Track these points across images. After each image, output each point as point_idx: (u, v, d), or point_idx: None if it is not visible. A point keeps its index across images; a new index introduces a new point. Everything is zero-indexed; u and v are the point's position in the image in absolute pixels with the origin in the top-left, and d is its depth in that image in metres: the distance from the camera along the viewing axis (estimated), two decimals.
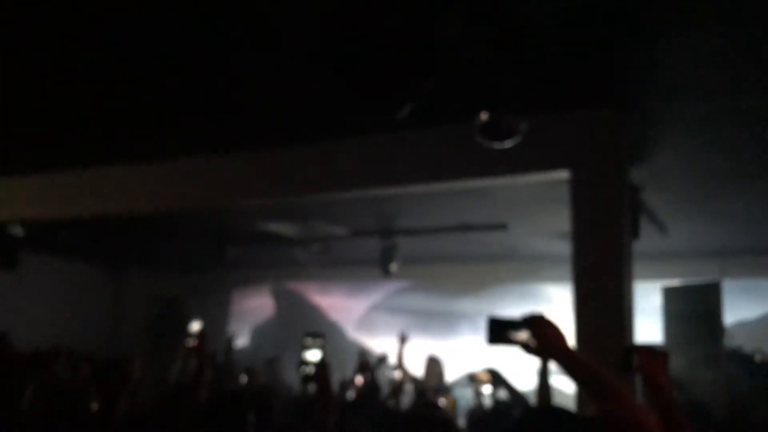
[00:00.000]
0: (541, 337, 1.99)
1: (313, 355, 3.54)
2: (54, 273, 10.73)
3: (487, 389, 6.19)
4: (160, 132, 5.64)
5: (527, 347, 2.04)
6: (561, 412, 1.91)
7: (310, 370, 3.40)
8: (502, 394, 5.48)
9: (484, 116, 3.47)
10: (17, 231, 7.80)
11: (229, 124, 5.38)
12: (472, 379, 4.96)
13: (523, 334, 2.04)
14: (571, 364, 1.95)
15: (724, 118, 4.58)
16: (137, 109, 5.16)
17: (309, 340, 3.61)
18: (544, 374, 4.14)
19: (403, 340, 7.39)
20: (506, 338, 2.08)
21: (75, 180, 6.89)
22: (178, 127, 5.52)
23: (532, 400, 4.30)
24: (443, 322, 10.43)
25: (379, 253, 8.55)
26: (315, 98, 4.58)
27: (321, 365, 3.36)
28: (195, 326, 3.90)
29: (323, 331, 4.08)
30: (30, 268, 8.66)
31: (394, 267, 8.58)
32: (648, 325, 7.50)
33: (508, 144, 3.56)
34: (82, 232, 8.81)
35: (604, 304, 4.15)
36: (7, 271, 8.05)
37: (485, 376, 4.66)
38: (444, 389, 7.47)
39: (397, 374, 7.17)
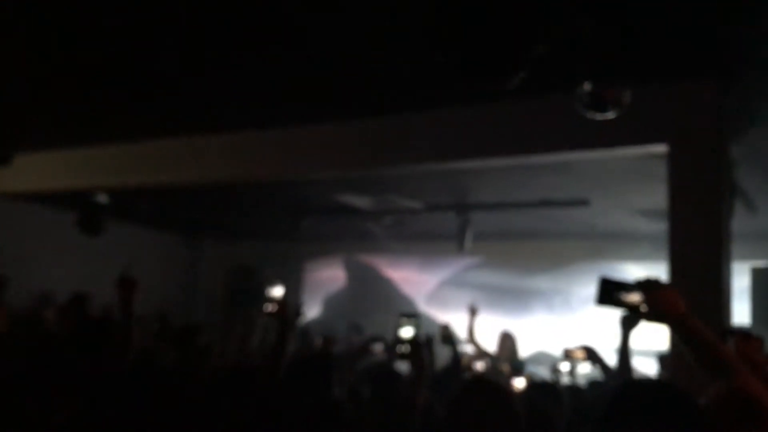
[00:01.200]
0: (655, 300, 1.91)
1: (407, 332, 3.55)
2: (134, 241, 11.05)
3: (583, 367, 6.07)
4: (237, 102, 5.68)
5: (638, 311, 1.95)
6: (667, 387, 1.82)
7: (406, 348, 3.42)
8: (595, 372, 5.36)
9: (587, 86, 3.36)
10: (103, 199, 8.04)
11: (308, 95, 5.37)
12: (568, 356, 4.87)
13: (636, 297, 1.97)
14: (686, 330, 1.86)
15: None
16: (218, 79, 5.20)
17: (404, 320, 3.62)
18: (624, 350, 4.03)
19: (473, 312, 7.30)
20: (617, 300, 2.02)
21: (155, 150, 7.05)
22: (259, 98, 5.54)
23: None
24: (516, 299, 10.30)
25: (453, 228, 8.48)
26: (400, 69, 4.51)
27: (416, 344, 3.38)
28: (276, 291, 3.90)
29: (392, 309, 4.08)
30: (112, 235, 8.91)
31: (468, 242, 8.49)
32: (737, 306, 7.26)
33: (610, 115, 3.43)
34: (162, 202, 9.03)
35: (701, 284, 4.01)
36: (93, 237, 8.30)
37: (581, 353, 4.55)
38: (517, 365, 7.40)
39: (469, 348, 7.11)
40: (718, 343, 1.86)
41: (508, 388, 3.80)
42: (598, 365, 4.30)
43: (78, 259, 9.77)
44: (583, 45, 3.45)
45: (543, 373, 7.35)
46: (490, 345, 7.66)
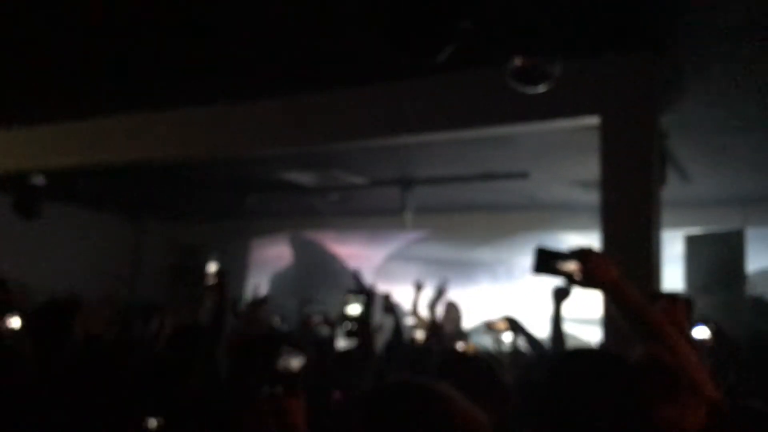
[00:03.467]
0: (590, 267, 1.97)
1: (354, 309, 3.58)
2: (73, 222, 10.82)
3: (506, 337, 6.22)
4: (179, 79, 5.60)
5: (573, 278, 2.02)
6: (600, 354, 1.89)
7: (354, 326, 3.45)
8: (520, 342, 5.51)
9: (518, 60, 3.41)
10: (39, 180, 7.83)
11: (248, 71, 5.32)
12: (489, 327, 4.96)
13: (571, 265, 2.02)
14: (620, 296, 1.93)
15: (751, 62, 4.48)
16: (155, 56, 5.11)
17: (351, 297, 3.65)
18: (557, 320, 4.17)
19: (418, 287, 7.43)
20: (553, 268, 2.06)
21: (94, 128, 6.89)
22: (197, 74, 5.47)
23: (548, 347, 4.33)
24: (461, 270, 10.43)
25: (398, 203, 8.54)
26: (340, 44, 4.51)
27: (363, 321, 3.42)
28: (212, 267, 3.94)
29: (339, 285, 4.13)
30: (50, 217, 8.70)
31: (409, 217, 8.57)
32: (670, 273, 7.52)
33: (541, 88, 3.50)
34: (101, 181, 8.84)
35: (632, 251, 4.13)
36: (30, 220, 8.09)
37: (503, 324, 4.66)
38: (461, 335, 7.53)
39: (411, 320, 7.23)
40: (648, 308, 1.93)
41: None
42: (521, 335, 4.42)
43: (19, 244, 9.53)
44: (514, 18, 3.51)
45: (487, 342, 7.50)
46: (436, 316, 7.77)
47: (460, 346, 6.20)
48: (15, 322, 4.08)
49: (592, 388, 1.64)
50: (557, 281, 2.45)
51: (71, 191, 9.15)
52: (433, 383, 1.31)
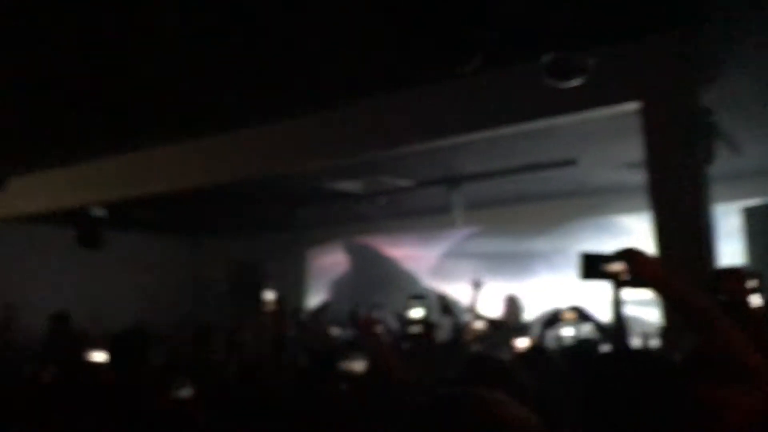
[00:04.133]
0: (636, 267, 1.98)
1: (417, 313, 3.65)
2: (135, 247, 11.15)
3: (567, 330, 6.18)
4: (224, 104, 5.76)
5: (621, 280, 2.03)
6: (637, 355, 1.89)
7: (418, 329, 3.52)
8: (586, 330, 5.46)
9: (549, 57, 3.42)
10: (100, 212, 8.13)
11: (289, 88, 5.44)
12: (558, 319, 4.94)
13: (618, 266, 2.04)
14: (669, 291, 1.94)
15: None
16: (201, 84, 5.27)
17: (413, 302, 3.73)
18: (617, 306, 4.12)
19: (476, 285, 7.35)
20: (600, 272, 2.08)
21: (147, 159, 7.13)
22: (241, 97, 5.61)
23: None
24: (518, 263, 10.37)
25: (446, 201, 8.57)
26: (374, 55, 4.58)
27: (427, 324, 3.48)
28: (269, 294, 4.04)
29: (397, 286, 4.21)
30: (113, 245, 9.01)
31: (459, 215, 8.58)
32: (730, 247, 7.34)
33: (575, 82, 3.51)
34: (158, 206, 9.11)
35: (684, 230, 4.10)
36: (93, 251, 8.41)
37: (571, 315, 4.64)
38: (523, 328, 7.50)
39: (469, 317, 7.22)
40: (697, 300, 1.92)
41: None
42: (590, 324, 4.39)
43: (86, 274, 9.89)
44: (545, 13, 3.52)
45: (551, 334, 7.46)
46: (497, 312, 7.75)
47: (522, 341, 6.18)
48: (99, 356, 4.27)
49: (633, 390, 1.66)
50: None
51: (129, 219, 9.46)
52: (487, 392, 1.34)
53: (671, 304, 1.95)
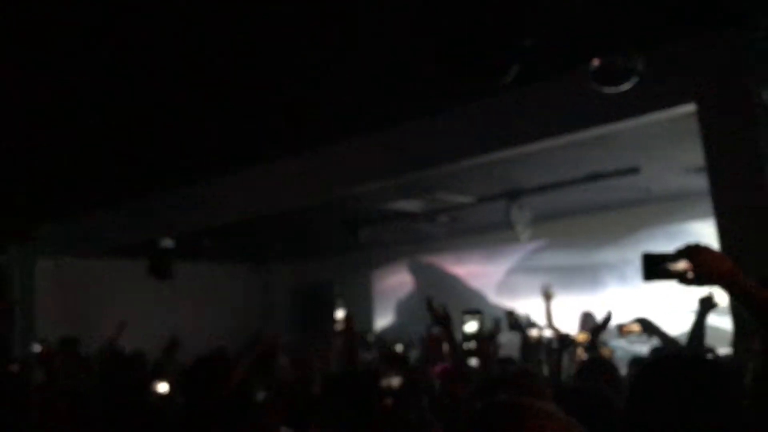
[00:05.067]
0: (700, 264, 1.92)
1: (471, 327, 3.63)
2: (206, 277, 11.41)
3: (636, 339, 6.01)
4: (285, 131, 5.88)
5: (686, 278, 1.97)
6: (691, 359, 1.82)
7: (473, 345, 3.49)
8: (655, 342, 5.29)
9: (596, 61, 3.37)
10: (168, 243, 8.37)
11: (344, 112, 5.51)
12: (622, 331, 4.81)
13: (681, 265, 1.97)
14: (737, 287, 1.87)
15: None
16: (257, 113, 5.40)
17: (467, 317, 3.70)
18: (699, 328, 3.98)
19: (548, 297, 7.19)
20: (663, 272, 2.01)
21: (213, 189, 7.32)
22: (300, 123, 5.71)
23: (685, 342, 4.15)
24: (587, 275, 10.15)
25: (508, 216, 8.48)
26: (421, 73, 4.60)
27: (480, 339, 3.44)
28: (340, 313, 4.07)
29: (465, 304, 4.19)
30: (182, 276, 9.24)
31: (521, 229, 8.47)
32: None
33: (625, 86, 3.43)
34: (225, 235, 9.33)
35: (749, 235, 3.93)
36: (164, 281, 8.65)
37: (635, 327, 4.51)
38: (599, 342, 7.32)
39: (547, 333, 7.07)
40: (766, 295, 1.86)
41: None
42: (654, 335, 4.26)
43: (159, 306, 10.15)
44: (592, 17, 3.47)
45: (623, 346, 7.27)
46: (568, 327, 7.60)
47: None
48: (163, 387, 4.37)
49: (678, 393, 1.60)
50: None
51: (198, 249, 9.70)
52: (534, 401, 1.33)
53: (739, 301, 1.88)
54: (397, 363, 4.75)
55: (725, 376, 1.67)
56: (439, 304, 3.83)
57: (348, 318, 4.02)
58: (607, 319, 5.50)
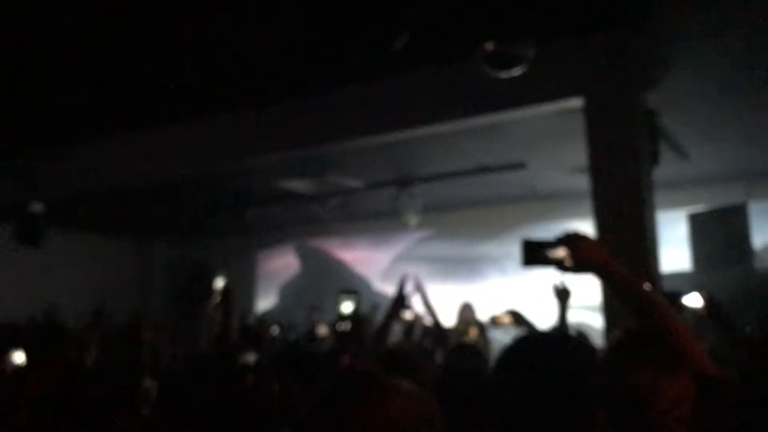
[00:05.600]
0: (577, 251, 1.92)
1: (347, 308, 3.55)
2: (78, 248, 10.85)
3: (507, 332, 6.14)
4: (167, 96, 5.60)
5: (564, 265, 1.97)
6: (556, 336, 1.83)
7: (346, 326, 3.41)
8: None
9: (489, 46, 3.36)
10: (39, 208, 7.83)
11: (232, 82, 5.32)
12: (494, 322, 4.90)
13: (560, 252, 1.98)
14: (610, 276, 1.89)
15: (739, 28, 4.39)
16: (143, 75, 5.12)
17: (343, 296, 3.62)
18: (563, 319, 4.09)
19: (417, 288, 7.29)
20: (542, 258, 2.01)
21: (89, 153, 6.91)
22: (183, 90, 5.47)
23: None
24: (469, 267, 10.39)
25: (397, 204, 8.53)
26: (311, 45, 4.48)
27: (355, 319, 3.37)
28: (219, 283, 3.88)
29: (356, 288, 4.12)
30: (54, 245, 8.73)
31: (412, 217, 8.54)
32: (678, 254, 7.42)
33: (515, 72, 3.44)
34: (102, 205, 8.87)
35: (626, 235, 4.06)
36: (33, 249, 8.10)
37: (507, 318, 4.61)
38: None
39: (408, 315, 7.15)
40: (640, 285, 1.89)
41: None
42: (524, 327, 4.36)
43: (25, 274, 9.58)
44: (490, 3, 3.46)
45: (499, 338, 7.44)
46: (448, 316, 7.72)
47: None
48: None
49: (542, 371, 1.59)
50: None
51: (72, 217, 9.19)
52: (388, 377, 1.33)
53: (613, 289, 1.90)
54: (253, 339, 4.63)
55: (577, 350, 1.68)
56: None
57: (226, 289, 3.85)
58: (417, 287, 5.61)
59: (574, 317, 4.37)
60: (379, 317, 5.74)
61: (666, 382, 1.71)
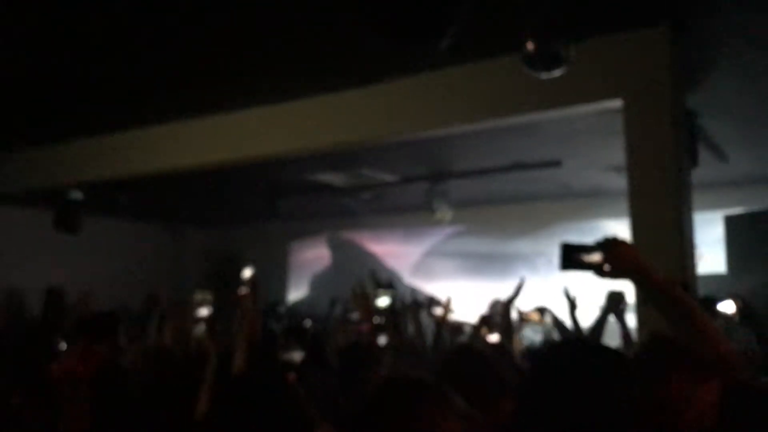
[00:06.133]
0: (614, 257, 1.93)
1: (383, 302, 3.56)
2: (114, 234, 11.03)
3: (537, 328, 6.16)
4: (204, 85, 5.66)
5: (601, 270, 1.98)
6: (589, 345, 1.83)
7: (381, 320, 3.42)
8: (555, 333, 5.39)
9: (530, 45, 3.34)
10: (77, 195, 7.99)
11: (270, 72, 5.34)
12: (523, 319, 4.88)
13: (597, 257, 1.99)
14: (646, 282, 1.89)
15: None
16: (178, 64, 5.17)
17: (380, 291, 3.63)
18: (602, 322, 4.06)
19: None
20: (579, 263, 2.02)
21: (128, 140, 7.01)
22: (219, 79, 5.51)
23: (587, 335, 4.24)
24: (500, 264, 10.35)
25: (430, 199, 8.54)
26: (355, 39, 4.50)
27: (392, 314, 3.38)
28: (246, 272, 3.86)
29: (391, 281, 4.12)
30: (91, 231, 8.89)
31: (444, 212, 8.54)
32: (713, 256, 7.33)
33: (556, 73, 3.42)
34: (139, 193, 9.00)
35: (663, 236, 4.01)
36: (71, 235, 8.26)
37: (536, 315, 4.60)
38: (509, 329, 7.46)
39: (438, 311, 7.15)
40: (675, 289, 1.88)
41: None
42: (555, 326, 4.34)
43: (66, 259, 9.76)
44: (530, 3, 3.45)
45: (530, 335, 7.42)
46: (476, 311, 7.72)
47: (494, 336, 6.14)
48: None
49: (577, 378, 1.59)
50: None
51: (110, 204, 9.33)
52: (423, 379, 1.33)
53: (649, 295, 1.91)
54: (302, 338, 4.66)
55: (616, 362, 1.68)
56: None
57: (254, 279, 3.84)
58: (519, 287, 5.53)
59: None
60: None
61: (697, 392, 1.70)
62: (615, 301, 4.05)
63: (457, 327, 6.59)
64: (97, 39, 4.64)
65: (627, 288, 2.32)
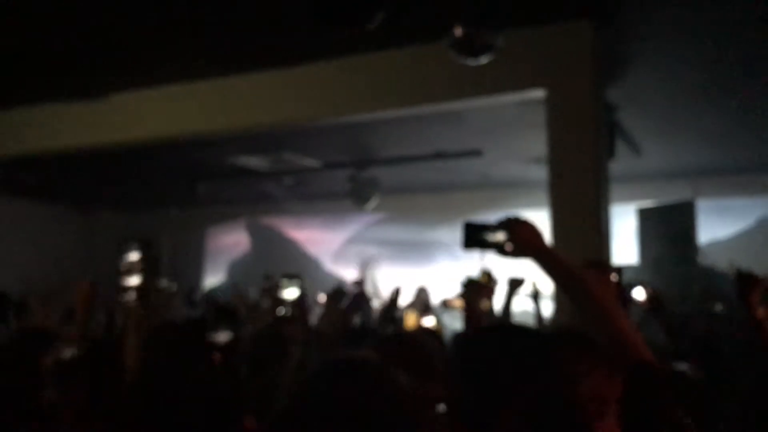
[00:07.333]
0: (516, 236, 1.92)
1: (291, 294, 3.47)
2: (23, 214, 10.54)
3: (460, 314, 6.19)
4: (121, 63, 5.43)
5: (503, 250, 1.98)
6: (511, 328, 1.82)
7: (287, 311, 3.34)
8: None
9: (458, 31, 3.33)
10: None
11: (193, 51, 5.17)
12: (446, 305, 4.93)
13: (499, 236, 1.98)
14: (548, 262, 1.89)
15: (700, 31, 4.46)
16: (95, 39, 4.94)
17: (285, 281, 3.54)
18: (507, 307, 4.11)
19: (365, 266, 7.35)
20: (482, 241, 2.00)
21: (35, 116, 6.66)
22: (136, 56, 5.29)
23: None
24: (420, 251, 10.46)
25: (352, 186, 8.50)
26: (280, 19, 4.39)
27: (297, 305, 3.30)
28: (134, 255, 3.67)
29: (300, 270, 4.04)
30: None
31: (367, 200, 8.53)
32: (624, 247, 7.58)
33: (483, 60, 3.43)
34: (47, 172, 8.60)
35: (580, 226, 4.10)
36: None
37: (458, 302, 4.62)
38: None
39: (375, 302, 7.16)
40: (579, 273, 1.89)
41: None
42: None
43: None
44: None
45: (447, 320, 7.52)
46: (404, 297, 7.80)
47: (428, 320, 6.18)
48: None
49: (497, 362, 1.57)
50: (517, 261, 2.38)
51: (15, 184, 8.89)
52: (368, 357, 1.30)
53: (551, 274, 1.91)
54: (227, 318, 4.55)
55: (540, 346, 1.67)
56: None
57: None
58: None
59: (522, 306, 4.41)
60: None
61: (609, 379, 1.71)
62: (515, 287, 4.10)
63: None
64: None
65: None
